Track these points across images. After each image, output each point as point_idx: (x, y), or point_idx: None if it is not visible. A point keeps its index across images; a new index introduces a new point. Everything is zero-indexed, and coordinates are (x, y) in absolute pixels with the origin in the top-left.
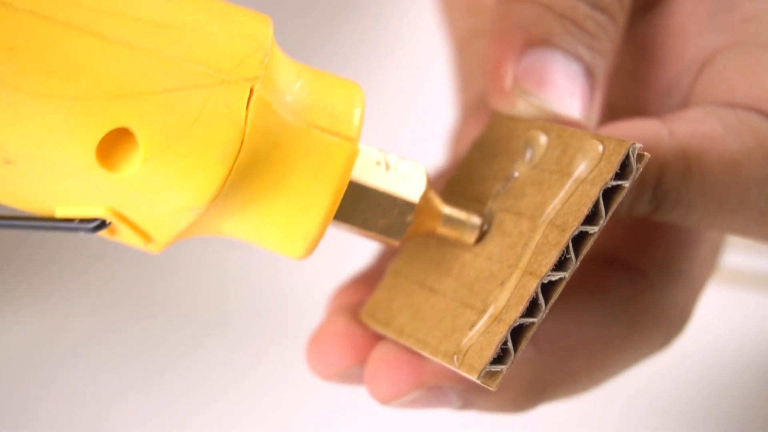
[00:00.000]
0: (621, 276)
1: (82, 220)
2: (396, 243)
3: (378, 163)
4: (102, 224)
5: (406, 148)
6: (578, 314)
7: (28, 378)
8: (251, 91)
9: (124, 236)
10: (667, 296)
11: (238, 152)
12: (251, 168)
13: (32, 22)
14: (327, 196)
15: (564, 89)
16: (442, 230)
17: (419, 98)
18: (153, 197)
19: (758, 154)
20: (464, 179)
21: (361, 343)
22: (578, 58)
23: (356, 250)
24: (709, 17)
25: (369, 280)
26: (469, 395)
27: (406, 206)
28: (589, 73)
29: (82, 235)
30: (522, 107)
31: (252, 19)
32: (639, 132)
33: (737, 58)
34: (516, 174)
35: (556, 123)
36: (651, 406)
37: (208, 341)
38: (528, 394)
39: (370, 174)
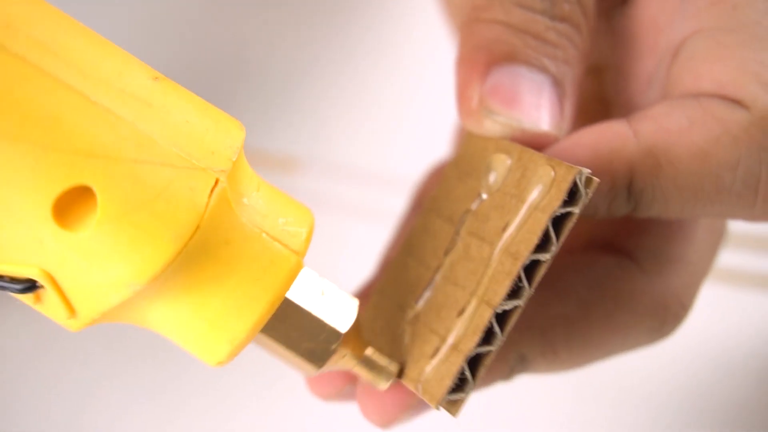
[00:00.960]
0: (610, 259)
1: (12, 279)
2: (314, 370)
3: (315, 288)
4: (31, 286)
5: (414, 143)
6: (561, 290)
7: (26, 376)
8: (216, 182)
9: (49, 305)
10: (660, 282)
11: (192, 236)
12: (199, 257)
13: (20, 67)
14: (264, 302)
15: (530, 104)
16: (359, 369)
17: (426, 95)
18: (96, 264)
19: (725, 141)
20: (442, 197)
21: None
22: (543, 70)
23: (356, 259)
24: (677, 5)
25: (370, 293)
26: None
27: (333, 334)
28: (557, 83)
29: None
30: (489, 127)
31: (228, 120)
32: (604, 136)
33: (702, 44)
34: (484, 196)
35: (520, 143)
36: (650, 405)
37: None
38: (510, 366)
39: (306, 295)
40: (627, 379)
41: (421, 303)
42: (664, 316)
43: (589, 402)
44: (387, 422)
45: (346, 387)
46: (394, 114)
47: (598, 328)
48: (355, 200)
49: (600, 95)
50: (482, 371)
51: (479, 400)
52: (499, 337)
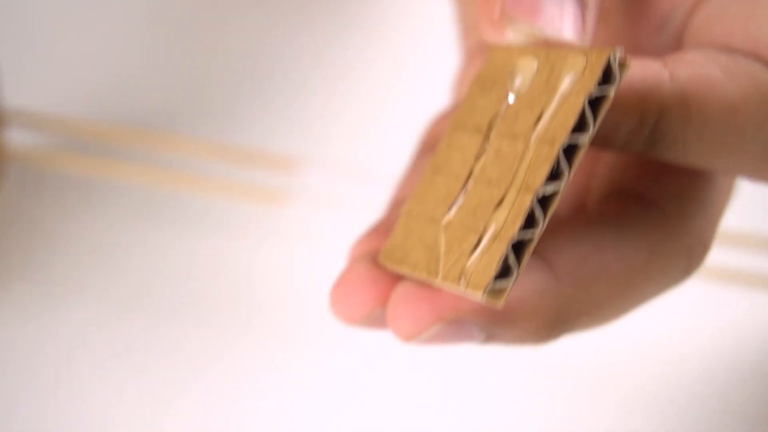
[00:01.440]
0: (637, 208)
1: None
2: None
3: None
4: None
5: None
6: (597, 244)
7: (24, 376)
8: None
9: None
10: (684, 225)
11: None
12: None
13: None
14: None
15: (552, 13)
16: None
17: (429, 94)
18: None
19: (755, 100)
20: (466, 114)
21: (383, 286)
22: None
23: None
24: None
25: (384, 228)
26: (490, 327)
27: None
28: None
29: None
30: (512, 36)
31: None
32: (640, 73)
33: None
34: (511, 99)
35: (546, 47)
36: (648, 405)
37: (206, 340)
38: (550, 325)
39: None
40: (625, 378)
41: (453, 210)
42: (690, 258)
43: (587, 402)
44: (415, 331)
45: (374, 311)
46: (395, 113)
47: (636, 278)
48: (355, 199)
49: (605, 38)
50: (526, 258)
51: (477, 401)
52: (541, 223)
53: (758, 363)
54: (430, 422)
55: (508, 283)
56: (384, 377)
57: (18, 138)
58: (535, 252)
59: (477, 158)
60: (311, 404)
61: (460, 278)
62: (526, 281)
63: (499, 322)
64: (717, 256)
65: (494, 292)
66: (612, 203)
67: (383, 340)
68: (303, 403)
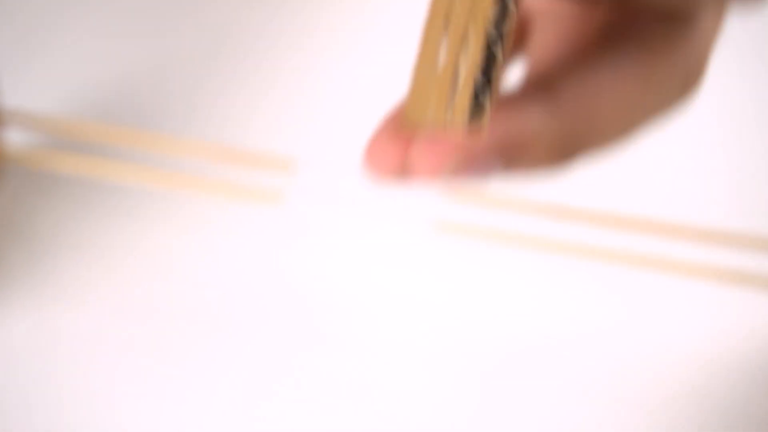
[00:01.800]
0: (629, 31)
1: None
2: None
3: None
4: None
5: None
6: (594, 73)
7: (22, 375)
8: None
9: None
10: (677, 47)
11: None
12: None
13: None
14: None
15: None
16: None
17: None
18: None
19: None
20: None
21: (407, 141)
22: None
23: (358, 257)
24: None
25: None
26: (504, 155)
27: None
28: None
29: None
30: None
31: None
32: None
33: None
34: None
35: None
36: (648, 406)
37: (205, 338)
38: (560, 149)
39: None
40: (626, 379)
41: (440, 64)
42: (686, 79)
43: (586, 403)
44: (438, 166)
45: (403, 162)
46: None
47: (634, 98)
48: (353, 199)
49: None
50: (495, 92)
51: (479, 402)
52: (500, 57)
53: (758, 363)
54: (435, 425)
55: (484, 117)
56: (386, 376)
57: (17, 138)
58: (539, 88)
59: (447, 16)
60: (311, 403)
61: (445, 121)
62: (533, 112)
63: (511, 151)
64: (717, 256)
65: (473, 128)
66: (607, 39)
67: (384, 339)
68: (303, 402)
